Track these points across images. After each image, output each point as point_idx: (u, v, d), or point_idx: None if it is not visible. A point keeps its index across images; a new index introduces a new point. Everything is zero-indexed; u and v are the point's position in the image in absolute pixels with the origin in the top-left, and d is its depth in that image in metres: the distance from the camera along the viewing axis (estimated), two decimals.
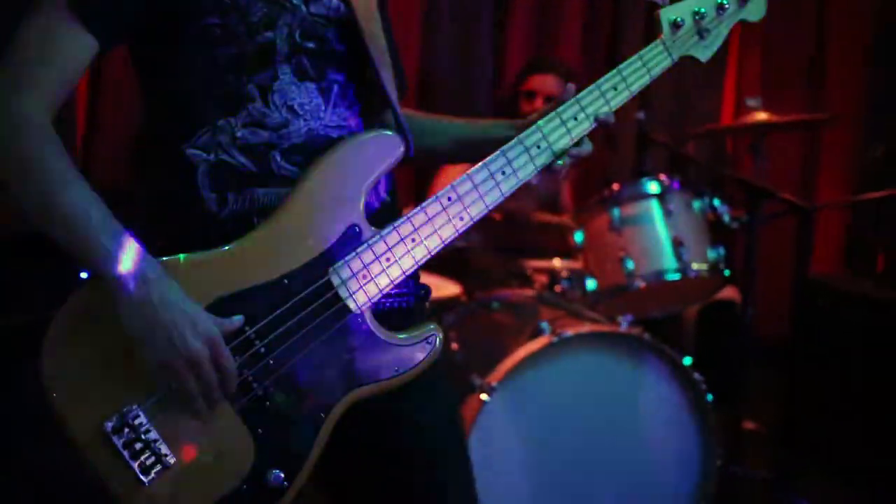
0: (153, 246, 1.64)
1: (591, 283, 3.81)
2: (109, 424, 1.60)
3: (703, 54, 1.93)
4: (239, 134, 1.70)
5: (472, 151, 1.85)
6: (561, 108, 1.83)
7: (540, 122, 1.82)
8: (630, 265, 3.67)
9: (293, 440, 1.68)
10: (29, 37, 1.62)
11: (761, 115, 3.98)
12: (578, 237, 3.89)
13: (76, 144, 4.37)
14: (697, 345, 4.73)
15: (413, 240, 1.72)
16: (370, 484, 1.84)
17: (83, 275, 2.90)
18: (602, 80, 1.86)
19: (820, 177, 5.82)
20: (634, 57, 1.88)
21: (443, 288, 3.98)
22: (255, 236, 1.67)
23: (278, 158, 1.72)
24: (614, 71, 1.86)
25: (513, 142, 1.80)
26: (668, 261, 3.68)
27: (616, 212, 3.74)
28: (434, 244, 1.74)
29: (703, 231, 3.80)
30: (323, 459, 1.71)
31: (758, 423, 4.42)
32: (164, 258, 1.64)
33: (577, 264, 3.99)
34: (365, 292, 1.70)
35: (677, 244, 3.68)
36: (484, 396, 3.13)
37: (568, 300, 3.89)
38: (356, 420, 1.73)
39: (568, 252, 4.12)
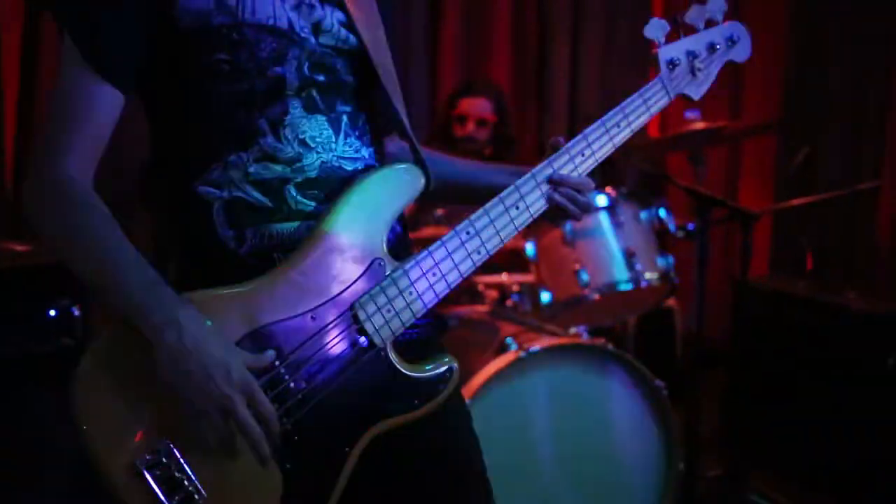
0: (170, 284, 1.65)
1: (545, 296, 3.87)
2: (144, 461, 1.60)
3: (696, 92, 2.01)
4: (252, 169, 1.71)
5: (476, 192, 1.88)
6: (570, 144, 1.88)
7: (552, 157, 1.87)
8: (585, 277, 3.74)
9: (319, 475, 1.70)
10: (57, 101, 1.65)
11: (700, 126, 4.09)
12: (530, 250, 3.95)
13: (5, 146, 4.27)
14: (637, 351, 4.84)
15: (434, 274, 1.76)
16: None
17: (51, 312, 2.88)
18: (606, 116, 1.91)
19: (741, 182, 6.00)
20: (635, 95, 1.94)
21: None
22: (279, 272, 1.69)
23: (294, 192, 1.73)
24: (617, 108, 1.92)
25: (525, 177, 1.85)
26: (622, 271, 3.76)
27: (568, 226, 3.81)
28: (454, 278, 1.78)
29: (652, 241, 3.89)
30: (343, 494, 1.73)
31: (704, 423, 4.53)
32: (194, 293, 1.65)
33: (527, 278, 4.05)
34: (389, 326, 1.73)
35: (629, 255, 3.77)
36: None
37: (521, 314, 3.96)
38: (374, 453, 1.75)
39: (514, 266, 4.18)
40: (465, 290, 4.22)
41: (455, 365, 1.79)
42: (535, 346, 3.31)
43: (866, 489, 4.18)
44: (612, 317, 4.31)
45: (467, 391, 3.22)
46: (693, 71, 1.99)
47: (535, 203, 1.85)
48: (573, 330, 3.95)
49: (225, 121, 1.72)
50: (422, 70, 5.44)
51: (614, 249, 3.79)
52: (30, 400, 2.88)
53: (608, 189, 3.91)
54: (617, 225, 3.82)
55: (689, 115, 4.05)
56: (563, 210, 1.88)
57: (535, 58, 5.73)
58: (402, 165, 1.80)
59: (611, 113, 1.92)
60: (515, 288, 4.08)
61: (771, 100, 5.76)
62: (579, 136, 1.89)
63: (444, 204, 2.14)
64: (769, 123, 5.10)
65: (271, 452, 1.62)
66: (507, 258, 4.23)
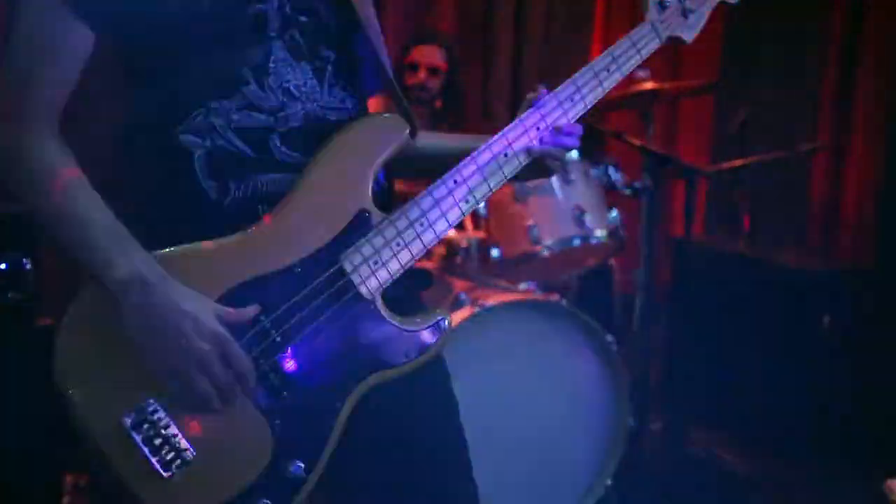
0: (152, 239, 1.61)
1: (495, 252, 3.86)
2: (129, 420, 1.56)
3: (688, 34, 1.98)
4: (235, 117, 1.66)
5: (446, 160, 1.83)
6: (558, 89, 1.85)
7: (539, 103, 1.84)
8: (536, 233, 3.72)
9: (311, 430, 1.67)
10: (22, 36, 1.58)
11: (649, 85, 4.10)
12: (481, 208, 3.93)
13: None
14: (579, 307, 4.87)
15: (422, 224, 1.73)
16: (368, 476, 1.84)
17: (0, 265, 2.78)
18: (595, 61, 1.88)
19: (679, 143, 6.05)
20: (624, 38, 1.90)
21: None
22: (264, 224, 1.64)
23: (278, 143, 1.69)
24: (606, 53, 1.89)
25: (515, 122, 1.82)
26: (572, 228, 3.75)
27: (519, 182, 3.79)
28: (442, 227, 1.75)
29: (601, 198, 3.90)
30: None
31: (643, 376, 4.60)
32: (170, 249, 1.60)
33: (477, 234, 4.04)
34: (377, 278, 1.69)
35: (579, 211, 3.77)
36: None
37: (470, 270, 3.95)
38: (362, 407, 1.73)
39: (461, 221, 4.14)
40: None
41: (447, 317, 1.77)
42: (490, 302, 3.30)
43: (800, 444, 4.29)
44: (559, 273, 4.31)
45: None
46: (684, 12, 1.96)
47: (523, 153, 1.82)
48: (523, 286, 3.98)
49: (206, 64, 1.65)
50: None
51: (565, 206, 3.79)
52: None
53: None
54: (567, 182, 3.81)
55: (641, 73, 4.05)
56: (548, 158, 1.84)
57: (479, 13, 5.67)
58: (387, 115, 1.76)
59: (599, 58, 1.88)
60: (464, 244, 4.05)
61: (710, 59, 5.79)
62: (568, 82, 1.86)
63: (408, 178, 2.11)
64: (712, 84, 5.12)
65: (252, 406, 1.60)
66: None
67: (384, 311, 1.71)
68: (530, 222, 3.74)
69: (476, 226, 4.01)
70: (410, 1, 5.50)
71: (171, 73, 1.67)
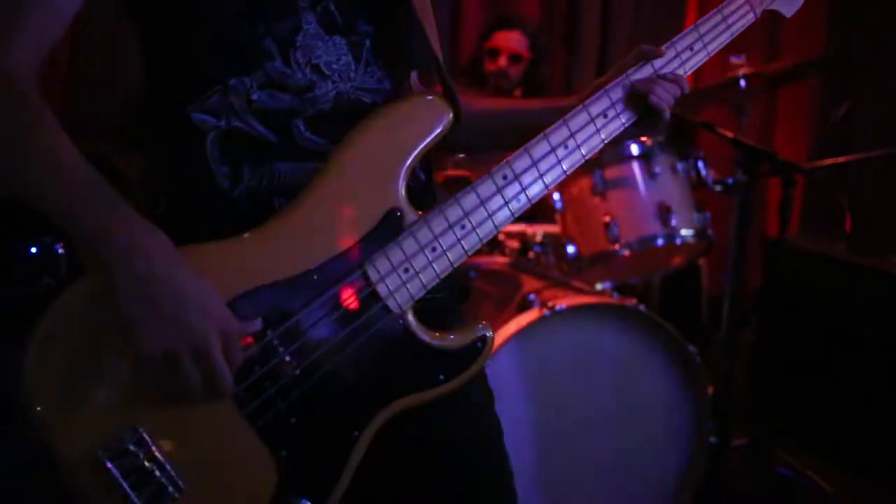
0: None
1: (571, 249, 3.61)
2: (105, 447, 1.34)
3: (788, 8, 1.71)
4: (255, 97, 1.45)
5: (524, 131, 1.59)
6: (631, 71, 1.60)
7: (608, 87, 1.58)
8: (615, 231, 3.48)
9: (322, 462, 1.44)
10: None
11: (744, 71, 3.79)
12: (556, 199, 3.68)
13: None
14: (661, 310, 4.61)
15: (463, 226, 1.48)
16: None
17: (32, 250, 2.63)
18: (677, 38, 1.63)
19: (777, 136, 5.70)
20: (714, 12, 1.66)
21: None
22: (278, 222, 1.42)
23: (301, 127, 1.47)
24: (691, 28, 1.64)
25: (577, 109, 1.57)
26: (656, 226, 3.49)
27: (598, 175, 3.54)
28: (487, 231, 1.50)
29: (689, 195, 3.63)
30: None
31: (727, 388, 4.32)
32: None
33: (552, 228, 3.80)
34: (407, 289, 1.46)
35: (664, 209, 3.49)
36: None
37: (544, 267, 3.71)
38: (387, 433, 1.50)
39: (538, 215, 3.92)
40: None
41: (490, 334, 1.52)
42: (561, 305, 3.05)
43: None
44: (640, 274, 4.07)
45: None
46: None
47: (589, 141, 1.57)
48: (599, 287, 3.72)
49: (226, 35, 1.44)
50: (444, 2, 5.11)
51: (648, 202, 3.52)
52: (4, 345, 2.63)
53: (643, 137, 3.62)
54: (651, 176, 3.54)
55: (735, 59, 3.76)
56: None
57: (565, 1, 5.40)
58: (428, 97, 1.51)
59: (683, 34, 1.64)
60: (539, 239, 3.82)
61: (812, 41, 5.41)
62: (644, 64, 1.62)
63: (476, 151, 1.85)
64: (812, 63, 4.74)
65: (253, 433, 1.39)
66: (531, 206, 3.96)
67: (415, 326, 1.47)
68: (609, 218, 3.47)
69: (551, 219, 3.76)
70: None
71: (185, 42, 1.46)
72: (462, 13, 5.15)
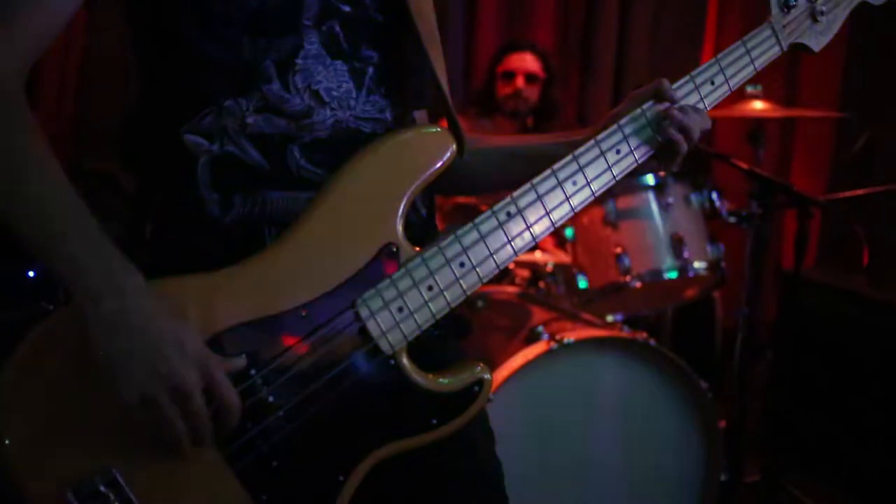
0: (138, 258, 1.33)
1: (582, 281, 3.55)
2: (75, 488, 1.28)
3: (816, 42, 1.64)
4: (250, 120, 1.39)
5: (526, 165, 1.53)
6: (646, 106, 1.53)
7: (621, 122, 1.52)
8: (626, 262, 3.42)
9: None
10: None
11: (760, 103, 3.73)
12: (568, 229, 3.63)
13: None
14: (674, 342, 4.53)
15: (462, 264, 1.42)
16: None
17: (30, 273, 2.58)
18: (697, 71, 1.56)
19: (794, 167, 5.63)
20: (737, 44, 1.58)
21: None
22: (266, 255, 1.36)
23: (297, 155, 1.41)
24: (712, 61, 1.57)
25: (588, 144, 1.50)
26: (668, 259, 3.44)
27: (611, 204, 3.49)
28: (488, 270, 1.44)
29: (703, 226, 3.57)
30: None
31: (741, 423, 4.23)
32: (154, 281, 1.32)
33: (563, 258, 3.74)
34: (401, 329, 1.39)
35: (677, 241, 3.43)
36: None
37: (554, 298, 3.65)
38: (379, 475, 1.43)
39: (548, 245, 3.87)
40: None
41: (487, 377, 1.46)
42: (570, 338, 2.97)
43: None
44: (652, 306, 3.99)
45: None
46: (814, 14, 1.62)
47: (600, 177, 1.51)
48: (610, 318, 3.66)
49: (224, 52, 1.39)
50: (458, 30, 5.09)
51: (661, 234, 3.47)
52: None
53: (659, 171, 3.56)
54: (665, 207, 3.49)
55: (750, 89, 3.70)
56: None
57: (581, 22, 5.34)
58: (431, 129, 1.45)
59: (703, 66, 1.56)
60: (549, 269, 3.77)
61: (830, 72, 5.34)
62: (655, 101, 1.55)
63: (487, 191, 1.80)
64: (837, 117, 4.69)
65: (233, 477, 1.32)
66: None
67: (408, 368, 1.40)
68: (620, 250, 3.41)
69: (562, 248, 3.70)
70: (507, 8, 5.19)
71: (183, 58, 1.41)
72: (476, 41, 5.11)
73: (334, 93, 1.43)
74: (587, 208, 3.40)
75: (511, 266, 3.84)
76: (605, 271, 3.49)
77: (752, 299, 3.58)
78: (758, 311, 3.65)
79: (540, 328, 3.09)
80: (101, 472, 1.29)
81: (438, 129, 1.45)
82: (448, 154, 1.43)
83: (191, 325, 1.29)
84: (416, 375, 1.41)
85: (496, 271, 1.45)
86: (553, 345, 2.95)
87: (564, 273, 3.70)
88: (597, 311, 3.60)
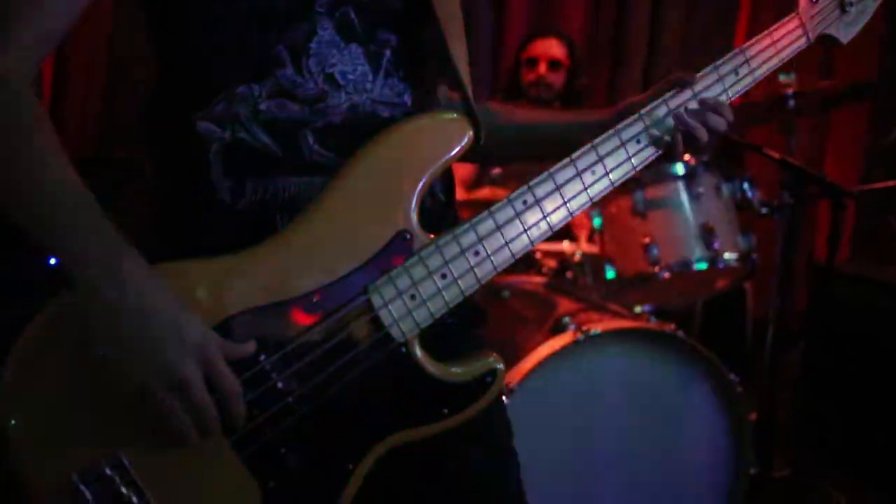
0: (152, 244, 1.33)
1: (610, 272, 3.50)
2: (83, 472, 1.26)
3: (845, 33, 1.61)
4: (262, 107, 1.37)
5: (551, 147, 1.51)
6: (668, 96, 1.50)
7: (643, 111, 1.48)
8: (655, 252, 3.37)
9: (313, 496, 1.36)
10: None
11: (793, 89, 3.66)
12: (596, 219, 3.58)
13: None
14: (704, 334, 4.48)
15: (477, 253, 1.39)
16: None
17: (52, 261, 2.57)
18: (721, 61, 1.53)
19: (827, 158, 5.55)
20: (763, 35, 1.55)
21: None
22: (278, 240, 1.34)
23: (310, 140, 1.38)
24: (737, 51, 1.54)
25: (607, 134, 1.47)
26: (697, 249, 3.38)
27: (639, 194, 3.43)
28: (502, 259, 1.41)
29: (733, 217, 3.51)
30: None
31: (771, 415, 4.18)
32: (164, 264, 1.31)
33: (591, 248, 3.69)
34: (413, 317, 1.36)
35: (707, 231, 3.37)
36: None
37: (581, 288, 3.60)
38: (389, 468, 1.41)
39: (576, 234, 3.83)
40: (520, 257, 3.86)
41: (500, 367, 1.42)
42: (596, 329, 2.93)
43: None
44: (682, 297, 3.93)
45: (515, 374, 2.87)
46: (842, 5, 1.59)
47: (619, 168, 1.47)
48: (638, 310, 3.61)
49: (235, 39, 1.36)
50: (487, 17, 5.03)
51: (691, 224, 3.40)
52: None
53: (686, 156, 3.50)
54: (695, 197, 3.43)
55: (784, 77, 3.63)
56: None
57: (612, 10, 5.27)
58: (447, 114, 1.42)
59: (728, 56, 1.53)
60: (577, 258, 3.72)
61: (867, 57, 5.24)
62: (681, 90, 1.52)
63: (507, 162, 1.77)
64: (867, 83, 4.57)
65: (240, 464, 1.31)
66: (570, 224, 3.87)
67: (420, 357, 1.38)
68: (648, 240, 3.36)
69: (590, 239, 3.66)
70: (534, 1, 5.14)
71: (196, 45, 1.39)
72: (505, 28, 5.06)
73: (350, 76, 1.40)
74: (615, 197, 3.46)
75: (538, 256, 3.80)
76: (633, 261, 3.44)
77: (783, 291, 3.52)
78: (789, 302, 3.59)
79: (566, 319, 3.05)
80: (107, 455, 1.27)
81: (455, 116, 1.42)
82: (465, 141, 1.40)
83: (196, 313, 1.27)
84: (428, 364, 1.38)
85: (511, 260, 1.42)
86: (579, 336, 2.91)
87: (592, 263, 3.65)
88: (625, 302, 3.56)
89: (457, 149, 1.39)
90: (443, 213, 1.49)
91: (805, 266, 4.82)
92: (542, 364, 2.88)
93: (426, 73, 1.51)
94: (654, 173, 3.44)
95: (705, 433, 3.12)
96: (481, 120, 1.43)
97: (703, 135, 1.49)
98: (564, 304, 3.29)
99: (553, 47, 4.30)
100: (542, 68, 4.26)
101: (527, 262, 3.85)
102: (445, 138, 1.40)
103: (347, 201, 1.35)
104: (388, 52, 1.44)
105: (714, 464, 3.15)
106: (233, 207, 1.37)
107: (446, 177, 1.50)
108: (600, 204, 3.56)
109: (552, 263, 3.81)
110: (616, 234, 3.53)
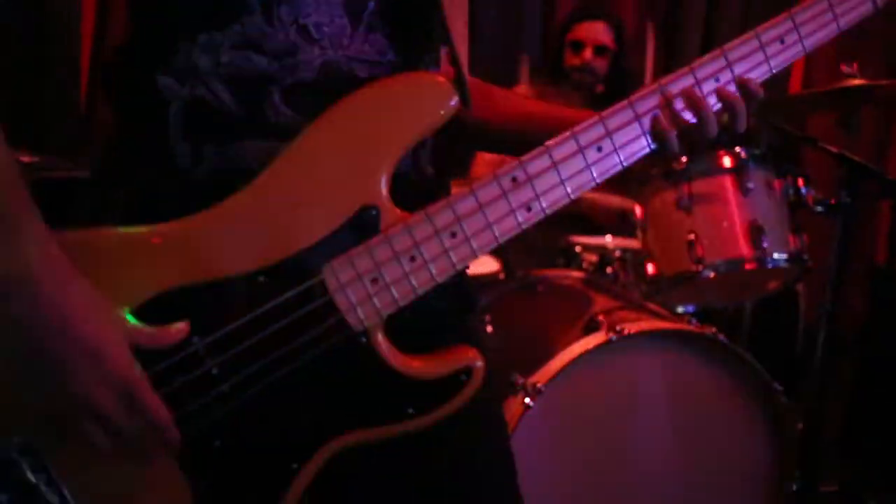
0: (96, 210, 1.22)
1: (650, 268, 3.33)
2: None
3: None
4: (225, 58, 1.22)
5: (544, 129, 1.33)
6: (698, 66, 1.34)
7: (664, 83, 1.32)
8: (699, 250, 3.16)
9: (251, 497, 1.22)
10: None
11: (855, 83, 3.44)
12: (638, 212, 3.40)
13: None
14: (752, 338, 4.27)
15: (454, 234, 1.23)
16: None
17: None
18: (764, 27, 1.34)
19: (890, 155, 5.30)
20: None
21: (478, 264, 3.49)
22: (226, 208, 1.18)
23: (276, 99, 1.23)
24: (785, 15, 1.34)
25: (619, 104, 1.30)
26: (745, 248, 3.17)
27: (684, 188, 3.23)
28: (485, 242, 1.24)
29: (785, 215, 3.29)
30: None
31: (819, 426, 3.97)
32: (87, 231, 1.17)
33: (633, 243, 3.52)
34: (374, 303, 1.20)
35: (756, 229, 3.17)
36: (527, 400, 2.63)
37: (621, 285, 3.43)
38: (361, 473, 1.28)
39: (620, 228, 3.66)
40: (560, 251, 3.72)
41: (478, 364, 1.26)
42: (630, 329, 2.75)
43: None
44: (728, 298, 3.74)
45: (544, 374, 2.70)
46: None
47: (632, 143, 1.30)
48: (680, 310, 3.44)
49: None
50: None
51: (738, 221, 3.20)
52: None
53: (737, 148, 3.30)
54: (744, 192, 3.22)
55: (846, 69, 3.41)
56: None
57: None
58: (422, 74, 1.26)
59: (772, 22, 1.34)
60: (618, 254, 3.56)
61: None
62: (712, 55, 1.35)
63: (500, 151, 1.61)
64: None
65: (168, 461, 1.17)
66: (614, 218, 3.74)
67: (382, 347, 1.22)
68: (693, 236, 3.17)
69: (633, 234, 3.49)
70: None
71: None
72: (554, 7, 4.87)
73: (325, 28, 1.24)
74: (659, 191, 3.27)
75: (578, 249, 3.64)
76: (675, 259, 3.25)
77: (836, 295, 3.30)
78: (843, 307, 3.37)
79: (601, 317, 2.88)
80: (16, 440, 1.13)
81: (438, 79, 1.25)
82: (447, 108, 1.23)
83: (120, 293, 1.12)
84: (391, 357, 1.22)
85: (495, 244, 1.24)
86: (612, 336, 2.72)
87: (633, 259, 3.49)
88: (667, 301, 3.38)
89: (436, 116, 1.23)
90: (430, 188, 1.32)
91: (863, 269, 4.59)
92: (572, 363, 2.69)
93: (417, 30, 1.34)
94: (700, 167, 3.25)
95: (745, 443, 2.92)
96: (466, 85, 1.27)
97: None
98: (600, 302, 3.11)
99: (600, 32, 4.09)
100: (588, 54, 4.06)
101: (566, 256, 3.69)
102: (425, 103, 1.23)
103: (306, 169, 1.19)
104: (371, 4, 1.28)
105: (754, 476, 2.95)
106: (190, 175, 1.23)
107: (437, 147, 1.34)
108: (644, 196, 3.39)
109: (593, 258, 3.66)
110: (659, 230, 3.35)
